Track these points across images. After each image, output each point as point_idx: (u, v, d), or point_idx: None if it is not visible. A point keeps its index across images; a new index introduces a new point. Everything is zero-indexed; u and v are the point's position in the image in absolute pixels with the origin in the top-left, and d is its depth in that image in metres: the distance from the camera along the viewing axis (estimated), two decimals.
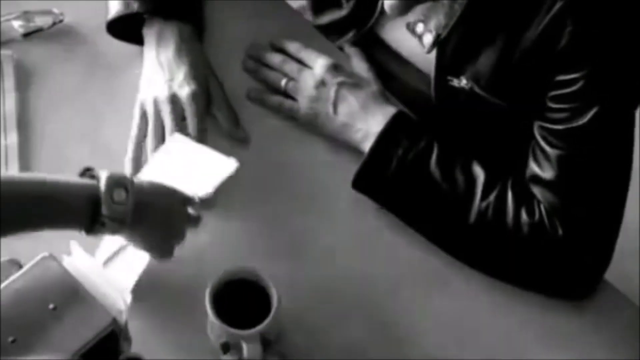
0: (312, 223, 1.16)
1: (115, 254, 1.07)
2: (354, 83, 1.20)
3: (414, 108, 1.23)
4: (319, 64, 1.21)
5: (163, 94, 1.16)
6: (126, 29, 1.23)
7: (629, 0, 1.03)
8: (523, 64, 1.09)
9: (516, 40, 1.09)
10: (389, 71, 1.30)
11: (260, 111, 1.23)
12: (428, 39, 1.16)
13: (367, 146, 1.15)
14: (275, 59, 1.24)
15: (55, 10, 1.26)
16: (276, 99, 1.23)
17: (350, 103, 1.18)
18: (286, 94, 1.22)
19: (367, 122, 1.17)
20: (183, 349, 1.07)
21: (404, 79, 1.29)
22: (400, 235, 1.15)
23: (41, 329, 0.91)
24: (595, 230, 1.10)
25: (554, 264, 1.11)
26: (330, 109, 1.19)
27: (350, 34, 1.30)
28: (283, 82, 1.22)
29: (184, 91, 1.16)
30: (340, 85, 1.19)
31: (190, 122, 1.15)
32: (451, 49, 1.15)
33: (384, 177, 1.14)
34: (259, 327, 1.00)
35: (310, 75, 1.20)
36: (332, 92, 1.19)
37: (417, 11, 1.16)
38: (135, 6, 1.20)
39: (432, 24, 1.15)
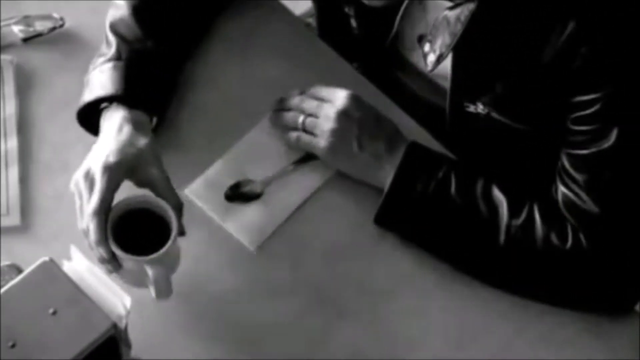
0: (312, 226, 1.16)
1: None
2: (378, 116, 1.16)
3: (432, 127, 1.21)
4: (340, 95, 1.15)
5: (79, 172, 1.06)
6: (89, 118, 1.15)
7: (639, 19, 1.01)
8: (539, 86, 1.07)
9: (531, 63, 1.06)
10: (408, 89, 1.27)
11: (258, 117, 1.22)
12: (431, 58, 1.13)
13: (388, 183, 1.12)
14: (292, 100, 1.19)
15: (55, 15, 1.26)
16: (293, 133, 1.17)
17: (376, 140, 1.14)
18: (305, 132, 1.17)
19: (394, 160, 1.13)
20: (183, 354, 1.07)
21: (422, 97, 1.26)
22: (401, 238, 1.15)
23: (41, 333, 0.91)
24: (635, 248, 1.09)
25: (594, 284, 1.11)
26: (355, 145, 1.14)
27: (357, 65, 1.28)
28: (301, 118, 1.16)
29: (98, 164, 1.05)
30: (366, 118, 1.14)
31: (92, 198, 1.03)
32: (466, 74, 1.12)
33: (406, 212, 1.13)
34: (159, 252, 1.02)
35: (331, 107, 1.14)
36: (356, 126, 1.14)
37: (425, 26, 1.14)
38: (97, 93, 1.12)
39: (438, 44, 1.12)
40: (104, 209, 1.03)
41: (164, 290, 1.04)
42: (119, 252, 1.02)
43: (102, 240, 1.02)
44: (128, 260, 1.03)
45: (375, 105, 1.18)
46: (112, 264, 1.04)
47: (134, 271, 1.04)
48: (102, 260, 1.03)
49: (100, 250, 1.02)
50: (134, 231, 1.05)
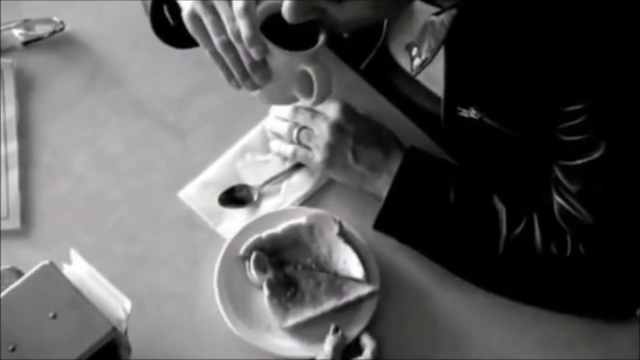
0: None
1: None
2: (372, 125, 1.16)
3: (428, 131, 1.21)
4: (332, 107, 1.15)
5: None
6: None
7: (623, 30, 1.00)
8: (526, 93, 1.07)
9: (516, 71, 1.06)
10: (404, 94, 1.26)
11: (258, 117, 1.22)
12: (417, 62, 1.12)
13: (386, 190, 1.12)
14: (286, 110, 1.18)
15: (56, 19, 1.26)
16: (289, 147, 1.17)
17: (372, 150, 1.14)
18: (300, 144, 1.17)
19: (390, 167, 1.13)
20: (183, 357, 1.07)
21: (417, 101, 1.25)
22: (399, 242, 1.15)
23: (41, 337, 0.91)
24: (633, 255, 1.09)
25: (594, 291, 1.11)
26: (350, 157, 1.14)
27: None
28: (295, 131, 1.16)
29: None
30: (360, 129, 1.15)
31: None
32: (457, 78, 1.12)
33: (405, 218, 1.13)
34: (318, 44, 0.98)
35: (324, 120, 1.14)
36: (350, 138, 1.14)
37: (412, 34, 1.13)
38: None
39: (424, 48, 1.11)
40: (253, 5, 0.98)
41: (326, 86, 1.00)
42: (277, 51, 0.97)
43: (257, 36, 0.97)
44: (284, 60, 0.98)
45: (374, 107, 1.19)
46: (262, 70, 1.00)
47: (284, 77, 1.00)
48: (253, 68, 1.00)
49: (254, 49, 0.98)
50: (279, 38, 0.99)
